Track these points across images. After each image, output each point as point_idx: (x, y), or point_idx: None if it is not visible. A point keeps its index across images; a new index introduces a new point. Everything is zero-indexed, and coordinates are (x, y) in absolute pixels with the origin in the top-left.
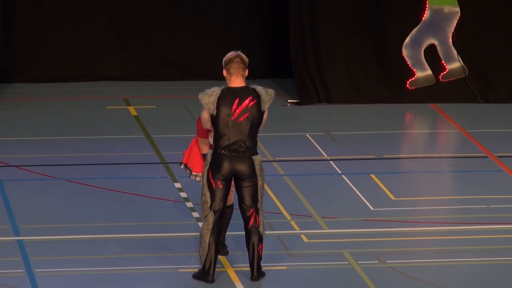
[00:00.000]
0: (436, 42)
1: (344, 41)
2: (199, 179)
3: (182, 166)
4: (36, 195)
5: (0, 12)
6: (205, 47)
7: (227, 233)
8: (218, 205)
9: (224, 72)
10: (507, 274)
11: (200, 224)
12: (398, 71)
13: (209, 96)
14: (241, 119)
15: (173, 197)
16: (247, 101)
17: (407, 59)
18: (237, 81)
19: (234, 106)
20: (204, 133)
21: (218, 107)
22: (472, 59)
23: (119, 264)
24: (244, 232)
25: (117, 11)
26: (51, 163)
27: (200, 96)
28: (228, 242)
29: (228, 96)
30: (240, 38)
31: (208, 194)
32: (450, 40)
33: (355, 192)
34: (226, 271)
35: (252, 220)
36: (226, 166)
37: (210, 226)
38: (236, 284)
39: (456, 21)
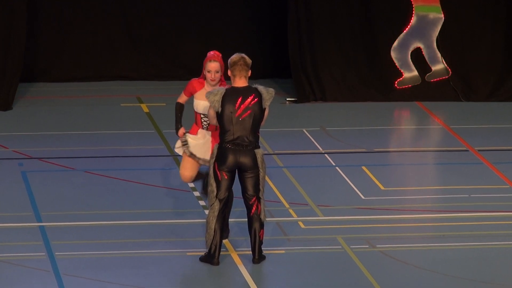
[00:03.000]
0: (421, 46)
1: (338, 45)
2: (181, 150)
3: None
4: (57, 185)
5: (25, 19)
6: (212, 49)
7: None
8: (223, 194)
9: (229, 73)
10: (486, 257)
11: (207, 211)
12: (387, 72)
13: (215, 95)
14: (244, 116)
15: (181, 187)
16: (249, 99)
17: (395, 61)
18: (240, 82)
19: (238, 104)
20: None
21: (223, 105)
22: (454, 61)
23: (133, 248)
24: (246, 219)
25: (131, 17)
26: (70, 155)
27: (207, 95)
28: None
29: (232, 95)
30: (244, 41)
31: (214, 184)
32: (435, 44)
33: (348, 182)
34: (230, 254)
35: (254, 208)
36: (230, 159)
37: (216, 214)
38: (239, 266)
39: (440, 27)
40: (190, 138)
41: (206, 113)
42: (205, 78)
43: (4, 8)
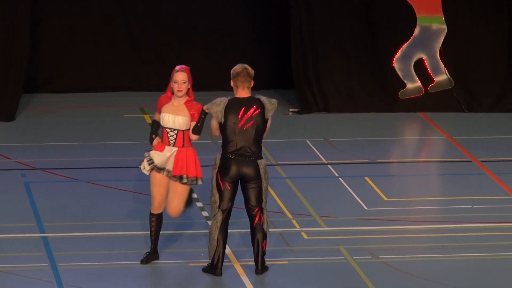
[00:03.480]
0: (424, 56)
1: (341, 56)
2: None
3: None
4: (60, 196)
5: (28, 29)
6: (215, 60)
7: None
8: (226, 204)
9: (232, 83)
10: (489, 268)
11: (209, 222)
12: (390, 83)
13: (217, 106)
14: (247, 126)
15: None
16: (252, 110)
17: (398, 72)
18: (243, 92)
19: (240, 115)
20: None
21: (225, 116)
22: (457, 72)
23: (135, 259)
24: (249, 230)
25: (134, 28)
26: (73, 166)
27: (209, 106)
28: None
29: (235, 105)
30: (247, 52)
31: (217, 195)
32: (438, 55)
33: (350, 193)
34: (233, 265)
35: (257, 219)
36: (233, 169)
37: (219, 224)
38: (242, 277)
39: (443, 37)
40: (154, 154)
41: (171, 127)
42: (172, 92)
43: (6, 17)
